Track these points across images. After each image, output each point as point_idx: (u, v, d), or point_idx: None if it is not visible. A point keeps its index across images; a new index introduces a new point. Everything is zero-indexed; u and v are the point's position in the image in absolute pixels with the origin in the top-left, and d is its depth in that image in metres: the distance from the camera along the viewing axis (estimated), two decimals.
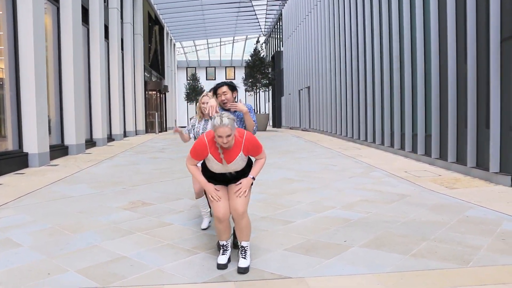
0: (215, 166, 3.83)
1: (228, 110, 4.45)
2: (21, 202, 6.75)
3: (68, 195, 7.26)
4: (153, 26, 32.09)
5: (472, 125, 8.78)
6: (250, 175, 3.89)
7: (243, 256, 3.85)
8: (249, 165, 4.00)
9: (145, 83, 27.86)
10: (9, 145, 10.61)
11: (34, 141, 10.73)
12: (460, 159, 9.39)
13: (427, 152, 10.98)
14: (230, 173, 3.89)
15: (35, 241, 4.74)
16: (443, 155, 10.14)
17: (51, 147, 11.98)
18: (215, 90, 4.52)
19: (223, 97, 4.43)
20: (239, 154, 3.77)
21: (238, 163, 3.82)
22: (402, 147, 12.53)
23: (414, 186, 7.57)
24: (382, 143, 14.26)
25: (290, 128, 31.96)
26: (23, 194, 7.33)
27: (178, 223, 5.34)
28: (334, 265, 3.94)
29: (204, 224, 5.13)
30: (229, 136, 3.58)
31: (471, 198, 6.56)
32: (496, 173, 7.85)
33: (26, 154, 10.65)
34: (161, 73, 34.89)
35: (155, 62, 32.46)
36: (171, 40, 41.45)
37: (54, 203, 6.69)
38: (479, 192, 7.03)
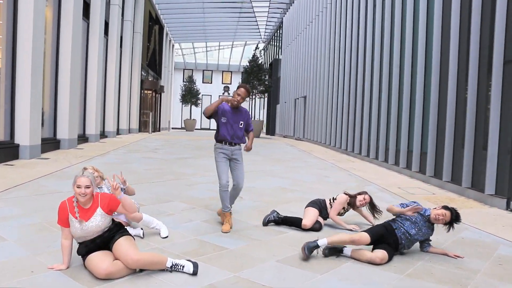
0: (74, 230, 3.73)
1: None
2: (9, 194, 6.61)
3: (58, 190, 7.11)
4: (153, 26, 31.96)
5: (470, 145, 8.74)
6: None
7: None
8: (118, 227, 3.92)
9: (142, 82, 27.69)
10: (0, 135, 10.43)
11: (26, 133, 10.56)
12: (455, 178, 9.34)
13: (422, 170, 10.93)
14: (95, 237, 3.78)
15: (22, 235, 4.60)
16: (437, 174, 10.09)
17: (43, 140, 11.80)
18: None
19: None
20: (97, 210, 3.78)
21: (97, 220, 3.76)
22: (396, 162, 12.48)
23: (408, 203, 7.49)
24: (376, 157, 14.21)
25: (284, 136, 31.88)
26: (11, 186, 7.18)
27: (168, 226, 5.21)
28: (329, 281, 3.84)
29: (164, 232, 4.91)
30: (88, 187, 3.71)
31: (466, 219, 6.46)
32: (492, 195, 7.79)
33: (17, 146, 10.47)
34: (158, 73, 34.72)
35: (152, 61, 32.30)
36: (170, 40, 41.31)
37: (43, 197, 6.54)
38: (474, 214, 6.97)
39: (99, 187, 4.94)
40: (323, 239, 4.38)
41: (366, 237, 4.43)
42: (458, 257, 4.60)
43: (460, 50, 9.50)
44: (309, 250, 4.26)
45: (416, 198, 8.00)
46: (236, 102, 5.44)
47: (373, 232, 4.53)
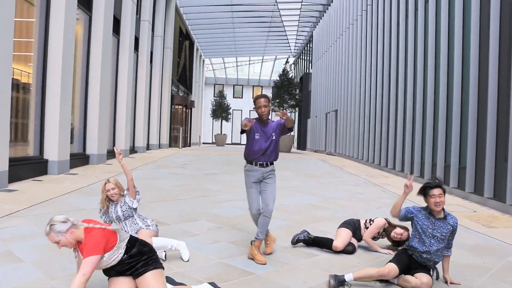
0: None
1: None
2: (33, 211, 6.49)
3: (81, 207, 6.95)
4: (184, 41, 32.21)
5: None
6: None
7: None
8: (143, 252, 3.40)
9: (172, 97, 27.81)
10: (30, 150, 10.48)
11: (55, 149, 10.56)
12: (498, 195, 8.77)
13: (460, 186, 10.38)
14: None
15: (38, 256, 4.41)
16: (478, 190, 9.52)
17: (72, 155, 11.78)
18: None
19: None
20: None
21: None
22: None
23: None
24: (411, 171, 13.66)
25: (315, 151, 31.43)
26: (36, 202, 7.08)
27: (192, 248, 4.93)
28: None
29: (185, 255, 4.57)
30: (57, 243, 3.24)
31: None
32: None
33: (46, 161, 10.47)
34: (188, 88, 34.91)
35: (183, 76, 32.50)
36: (200, 56, 41.62)
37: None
38: None
39: (115, 203, 4.75)
40: (349, 274, 3.99)
41: (395, 269, 4.01)
42: (453, 283, 4.18)
43: (501, 59, 8.99)
44: (336, 283, 3.91)
45: (457, 217, 7.50)
46: (264, 115, 4.88)
47: (399, 261, 4.11)
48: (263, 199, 4.86)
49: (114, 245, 3.26)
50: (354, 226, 5.23)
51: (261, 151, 4.84)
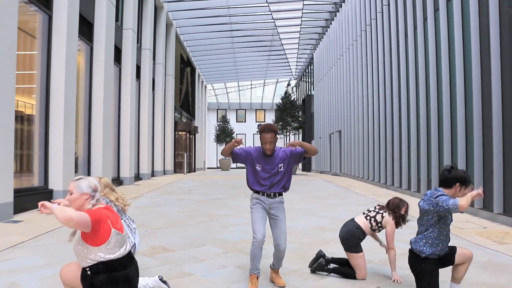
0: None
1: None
2: (38, 242, 6.43)
3: None
4: (185, 68, 32.50)
5: None
6: None
7: None
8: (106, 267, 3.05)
9: (175, 123, 27.93)
10: (35, 181, 10.46)
11: (60, 178, 10.54)
12: (508, 210, 8.66)
13: None
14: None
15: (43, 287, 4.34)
16: (487, 206, 9.41)
17: None
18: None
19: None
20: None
21: (76, 242, 3.10)
22: None
23: (458, 239, 6.91)
24: (418, 190, 13.54)
25: (320, 173, 31.32)
26: (42, 233, 7.02)
27: (199, 274, 4.86)
28: None
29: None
30: (71, 193, 3.07)
31: None
32: None
33: (51, 191, 10.44)
34: (191, 114, 35.07)
35: (185, 103, 32.68)
36: (202, 82, 41.93)
37: (71, 245, 6.31)
38: None
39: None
40: None
41: None
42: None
43: (503, 70, 8.99)
44: None
45: (467, 233, 7.41)
46: (268, 152, 4.50)
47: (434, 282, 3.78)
48: (274, 237, 4.55)
49: (122, 232, 3.08)
50: (359, 237, 4.92)
51: (264, 183, 4.54)
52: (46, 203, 2.94)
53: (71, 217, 2.82)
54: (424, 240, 3.78)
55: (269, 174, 4.52)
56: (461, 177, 3.73)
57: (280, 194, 4.61)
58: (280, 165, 4.53)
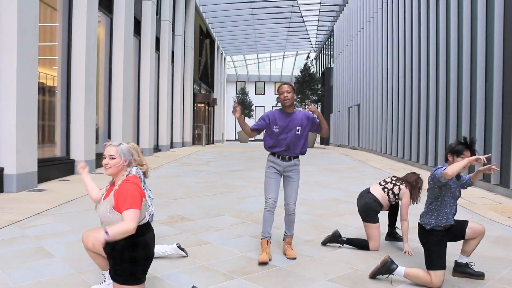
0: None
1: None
2: (61, 210, 6.68)
3: None
4: (204, 40, 32.42)
5: None
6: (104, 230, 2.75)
7: None
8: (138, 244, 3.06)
9: (194, 95, 28.06)
10: (58, 151, 10.75)
11: (81, 149, 10.81)
12: None
13: (486, 178, 10.23)
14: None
15: (68, 252, 4.56)
16: (504, 182, 9.38)
17: (98, 155, 12.02)
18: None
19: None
20: (110, 195, 3.09)
21: (104, 209, 3.08)
22: None
23: (471, 214, 6.96)
24: (435, 164, 13.52)
25: (338, 146, 31.30)
26: (65, 201, 7.27)
27: (216, 242, 5.04)
28: None
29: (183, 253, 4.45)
30: (113, 158, 3.08)
31: None
32: None
33: (73, 161, 10.72)
34: (210, 86, 35.14)
35: (204, 75, 32.73)
36: (221, 53, 41.82)
37: (93, 213, 6.55)
38: None
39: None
40: (402, 268, 3.85)
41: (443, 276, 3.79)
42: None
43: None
44: (388, 266, 3.84)
45: (481, 209, 7.45)
46: (286, 102, 4.53)
47: (444, 257, 3.81)
48: (285, 196, 4.69)
49: (145, 200, 3.15)
50: (376, 210, 4.96)
51: (281, 146, 4.57)
52: (100, 238, 2.74)
53: (132, 228, 2.86)
54: (430, 213, 3.90)
55: (285, 136, 4.56)
56: (450, 148, 3.89)
57: (296, 157, 4.67)
58: (298, 128, 4.57)
